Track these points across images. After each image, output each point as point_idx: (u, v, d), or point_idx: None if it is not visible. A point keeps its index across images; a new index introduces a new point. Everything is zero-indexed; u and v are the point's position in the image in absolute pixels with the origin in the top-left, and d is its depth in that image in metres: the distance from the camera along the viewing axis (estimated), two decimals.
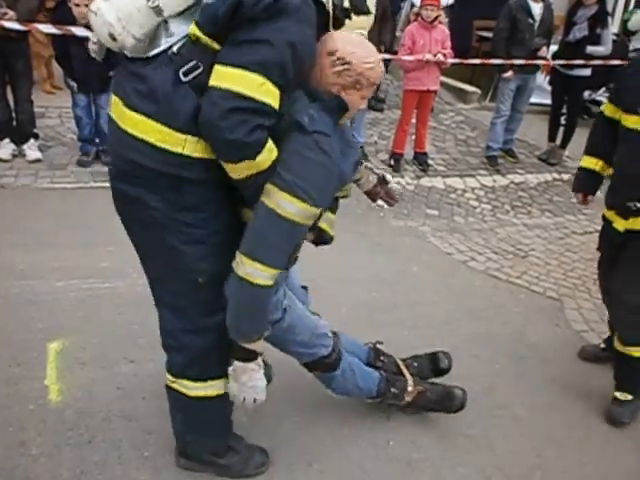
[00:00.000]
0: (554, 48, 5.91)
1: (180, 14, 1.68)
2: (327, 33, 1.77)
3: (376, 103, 6.57)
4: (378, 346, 2.55)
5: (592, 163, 2.83)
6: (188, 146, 1.67)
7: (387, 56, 5.28)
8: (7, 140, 4.66)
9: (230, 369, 1.89)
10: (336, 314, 3.25)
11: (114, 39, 1.66)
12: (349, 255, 3.91)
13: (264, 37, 1.58)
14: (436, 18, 5.07)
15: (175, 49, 1.66)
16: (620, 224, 2.62)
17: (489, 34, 7.42)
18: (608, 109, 2.75)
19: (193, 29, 1.64)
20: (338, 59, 1.72)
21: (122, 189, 1.81)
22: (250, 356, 1.84)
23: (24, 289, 3.13)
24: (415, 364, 2.57)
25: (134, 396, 2.50)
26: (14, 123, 4.69)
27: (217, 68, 1.60)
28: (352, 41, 1.76)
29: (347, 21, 1.81)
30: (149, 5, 1.64)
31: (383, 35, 5.18)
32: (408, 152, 5.64)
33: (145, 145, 1.68)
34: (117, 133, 1.74)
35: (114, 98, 1.75)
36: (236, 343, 1.83)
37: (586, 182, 2.90)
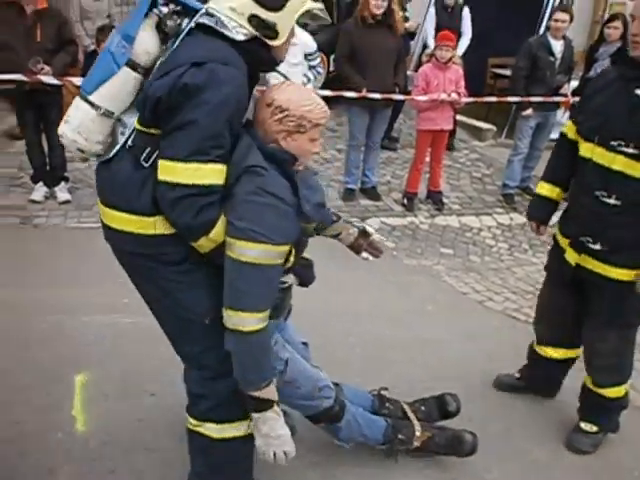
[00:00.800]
0: (574, 84, 5.89)
1: (129, 108, 1.85)
2: (265, 89, 1.90)
3: (389, 142, 6.60)
4: (383, 392, 2.52)
5: (548, 190, 2.71)
6: (159, 226, 1.84)
7: (401, 97, 5.34)
8: (41, 183, 5.08)
9: (251, 424, 1.90)
10: (348, 350, 3.22)
11: (83, 151, 1.91)
12: (361, 292, 3.88)
13: (188, 118, 1.69)
14: (450, 58, 5.12)
15: (130, 142, 1.84)
16: (572, 256, 2.49)
17: (504, 71, 7.50)
18: (570, 130, 2.56)
19: (136, 122, 1.83)
20: (276, 108, 1.80)
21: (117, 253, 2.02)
22: (265, 405, 1.86)
23: (54, 324, 3.28)
24: (423, 408, 2.52)
25: (155, 428, 2.57)
26: (47, 168, 5.06)
27: (159, 162, 1.76)
28: (286, 89, 1.86)
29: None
30: (99, 113, 1.84)
31: (398, 77, 5.24)
32: (422, 191, 5.62)
33: (125, 235, 1.88)
34: (104, 226, 1.96)
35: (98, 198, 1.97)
36: (249, 395, 1.84)
37: (540, 210, 2.78)
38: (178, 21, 1.82)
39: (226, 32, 1.74)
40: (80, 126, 1.87)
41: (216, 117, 1.69)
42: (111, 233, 1.93)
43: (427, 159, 5.50)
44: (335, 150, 6.57)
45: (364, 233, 2.34)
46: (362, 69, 5.05)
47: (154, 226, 1.84)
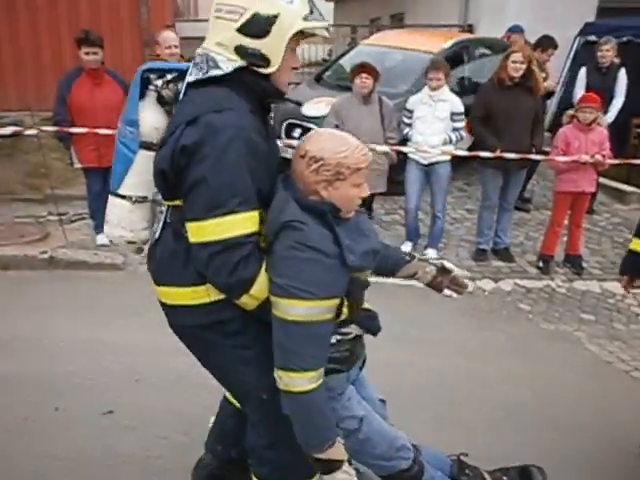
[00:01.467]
0: None
1: None
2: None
3: (522, 204, 6.45)
4: (462, 458, 2.39)
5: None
6: (212, 292, 1.81)
7: (539, 157, 5.25)
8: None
9: None
10: (475, 414, 3.12)
11: (133, 242, 1.97)
12: (494, 356, 3.76)
13: (195, 178, 1.66)
14: (594, 120, 4.96)
15: (168, 218, 1.87)
16: None
17: None
18: None
19: (164, 200, 1.86)
20: (310, 159, 1.73)
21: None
22: (333, 466, 1.79)
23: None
24: (505, 478, 2.37)
25: None
26: None
27: (186, 225, 1.75)
28: (319, 137, 1.79)
29: None
30: (132, 202, 1.91)
31: (535, 138, 5.16)
32: (558, 254, 5.41)
33: (182, 309, 1.88)
34: (162, 306, 1.97)
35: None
36: (315, 458, 1.78)
37: (633, 265, 2.75)
38: (176, 87, 1.84)
39: (216, 71, 1.71)
40: (121, 221, 1.93)
41: (221, 167, 1.64)
42: (168, 310, 1.93)
43: (565, 221, 5.32)
44: (464, 210, 6.54)
45: (443, 270, 2.23)
46: (498, 130, 5.03)
47: (207, 294, 1.81)
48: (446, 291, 2.23)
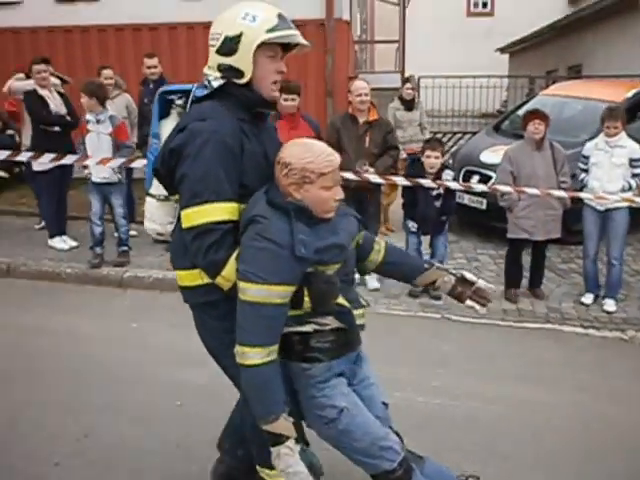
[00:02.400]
0: None
1: None
2: None
3: None
4: (470, 479, 2.39)
5: None
6: (204, 276, 2.08)
7: None
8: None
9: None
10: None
11: (162, 234, 2.37)
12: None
13: (180, 174, 1.99)
14: None
15: (177, 213, 2.18)
16: None
17: None
18: None
19: (170, 195, 2.24)
20: (282, 164, 1.96)
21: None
22: (278, 440, 1.93)
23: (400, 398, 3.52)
24: None
25: None
26: None
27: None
28: (293, 144, 2.02)
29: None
30: (158, 199, 2.30)
31: None
32: None
33: (186, 289, 2.22)
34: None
35: None
36: (264, 430, 1.93)
37: None
38: None
39: (208, 90, 2.06)
40: (152, 216, 2.34)
41: (199, 163, 1.94)
42: (180, 290, 2.25)
43: None
44: None
45: (464, 281, 2.27)
46: None
47: (201, 277, 2.10)
48: (468, 302, 2.29)
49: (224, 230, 1.96)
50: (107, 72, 6.77)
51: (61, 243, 6.51)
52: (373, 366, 2.34)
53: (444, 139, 9.64)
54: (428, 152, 5.17)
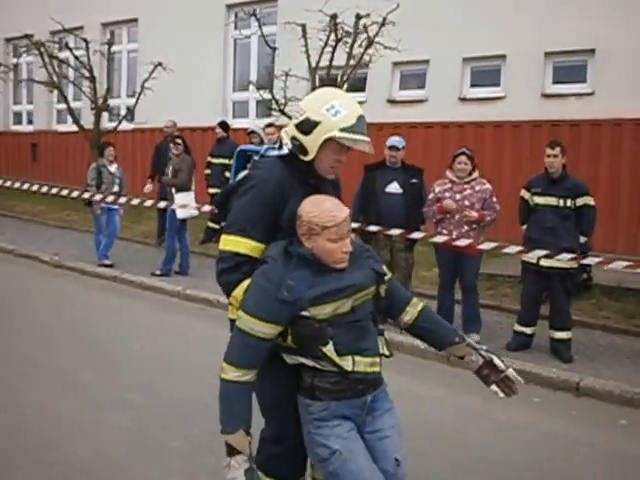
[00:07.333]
0: None
1: None
2: None
3: None
4: None
5: None
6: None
7: None
8: None
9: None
10: None
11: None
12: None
13: (230, 205, 2.30)
14: None
15: None
16: None
17: None
18: None
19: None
20: (297, 216, 2.14)
21: None
22: (230, 451, 2.07)
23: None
24: None
25: None
26: None
27: None
28: (308, 199, 2.15)
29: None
30: None
31: None
32: None
33: (232, 321, 2.28)
34: None
35: None
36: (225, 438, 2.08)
37: None
38: None
39: (279, 151, 2.30)
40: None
41: (242, 201, 2.20)
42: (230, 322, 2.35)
43: None
44: None
45: (492, 365, 2.26)
46: None
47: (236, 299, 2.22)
48: (493, 387, 2.27)
49: (238, 262, 2.19)
50: None
51: None
52: None
53: None
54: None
